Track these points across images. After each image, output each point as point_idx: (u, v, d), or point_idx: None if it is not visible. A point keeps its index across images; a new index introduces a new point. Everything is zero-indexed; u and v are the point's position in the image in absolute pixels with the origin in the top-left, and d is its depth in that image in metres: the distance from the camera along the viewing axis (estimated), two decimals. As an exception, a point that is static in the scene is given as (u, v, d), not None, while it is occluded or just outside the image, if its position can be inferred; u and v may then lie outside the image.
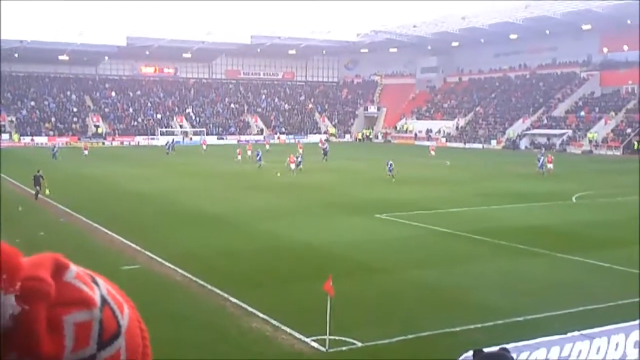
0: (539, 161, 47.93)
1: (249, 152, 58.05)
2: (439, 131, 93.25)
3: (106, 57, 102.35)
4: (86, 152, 61.15)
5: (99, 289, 1.00)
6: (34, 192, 32.00)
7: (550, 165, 46.34)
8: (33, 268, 0.93)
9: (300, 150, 56.04)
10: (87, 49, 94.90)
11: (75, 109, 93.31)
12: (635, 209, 30.26)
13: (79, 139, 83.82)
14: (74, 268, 0.98)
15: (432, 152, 64.43)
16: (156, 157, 61.72)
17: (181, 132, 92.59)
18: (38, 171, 32.50)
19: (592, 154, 73.35)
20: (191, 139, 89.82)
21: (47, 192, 31.82)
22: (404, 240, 22.96)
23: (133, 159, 60.01)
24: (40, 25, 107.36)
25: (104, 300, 0.99)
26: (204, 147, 70.76)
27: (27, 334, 0.89)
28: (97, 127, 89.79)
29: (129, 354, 1.01)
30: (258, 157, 50.67)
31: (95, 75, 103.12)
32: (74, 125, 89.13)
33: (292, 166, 44.61)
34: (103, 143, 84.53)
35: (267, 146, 70.50)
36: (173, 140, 76.04)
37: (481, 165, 54.44)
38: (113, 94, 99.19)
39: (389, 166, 41.94)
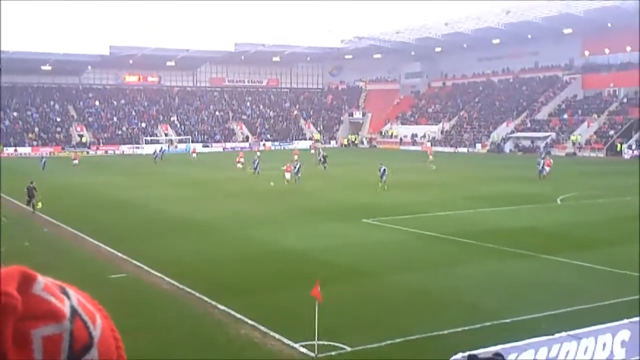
0: (538, 165, 46.41)
1: (242, 160, 57.81)
2: (424, 136, 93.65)
3: (89, 67, 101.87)
4: (76, 161, 59.96)
5: (70, 300, 0.97)
6: (25, 205, 30.70)
7: (547, 169, 45.63)
8: None
9: (296, 157, 55.43)
10: (70, 58, 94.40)
11: (58, 119, 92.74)
12: (618, 210, 30.57)
13: (63, 149, 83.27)
14: (41, 280, 0.95)
15: (431, 157, 63.17)
16: (146, 166, 61.39)
17: (166, 140, 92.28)
18: (31, 182, 31.20)
19: (576, 156, 73.98)
20: (176, 147, 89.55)
21: (40, 205, 30.33)
22: (391, 244, 23.00)
23: (122, 168, 59.67)
24: (23, 35, 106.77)
25: (74, 311, 0.96)
26: (194, 155, 70.11)
27: None
28: (81, 136, 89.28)
29: None
30: (255, 165, 48.98)
31: (79, 84, 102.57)
32: (57, 135, 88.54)
33: (288, 175, 42.20)
34: (87, 152, 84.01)
35: (258, 153, 69.06)
36: (162, 149, 75.42)
37: (467, 169, 54.69)
38: (97, 103, 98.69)
39: (381, 172, 39.11)
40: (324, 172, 51.03)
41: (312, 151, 71.38)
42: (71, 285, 1.00)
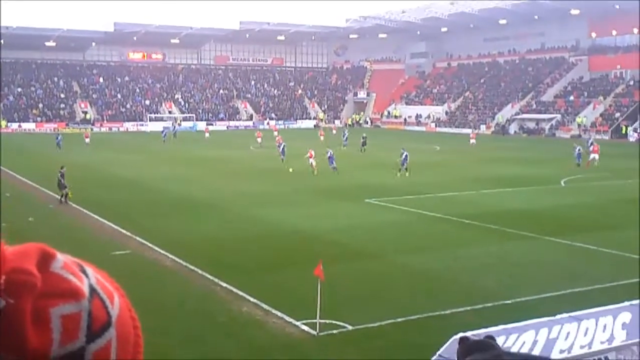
0: (575, 150, 41.62)
1: (259, 140, 57.08)
2: (429, 116, 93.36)
3: (93, 43, 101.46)
4: (87, 140, 58.13)
5: (88, 278, 0.96)
6: (58, 195, 27.23)
7: (595, 155, 41.30)
8: (18, 259, 0.89)
9: (322, 138, 53.70)
10: (74, 34, 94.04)
11: (62, 95, 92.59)
12: (622, 192, 30.53)
13: (67, 125, 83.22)
14: (60, 258, 0.95)
15: (473, 141, 58.85)
16: (154, 144, 61.25)
17: (170, 118, 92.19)
18: (61, 168, 27.29)
19: (581, 138, 73.64)
20: (180, 124, 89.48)
21: (71, 194, 26.77)
22: (394, 225, 23.04)
23: (128, 145, 59.59)
24: (27, 11, 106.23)
25: (92, 290, 0.95)
26: (207, 135, 67.54)
27: (12, 329, 0.86)
28: (84, 113, 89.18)
29: (120, 344, 0.98)
30: (282, 149, 43.09)
31: (83, 61, 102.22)
32: (61, 112, 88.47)
33: (313, 162, 36.94)
34: (91, 129, 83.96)
35: (275, 133, 64.01)
36: (174, 127, 73.09)
37: (471, 150, 54.54)
38: (101, 79, 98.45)
39: (403, 157, 36.53)
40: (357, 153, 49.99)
41: (334, 132, 69.41)
42: (90, 263, 1.00)
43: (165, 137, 62.57)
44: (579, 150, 41.42)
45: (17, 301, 0.86)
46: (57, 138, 54.21)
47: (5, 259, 0.88)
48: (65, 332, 0.90)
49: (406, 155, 36.68)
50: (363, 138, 53.00)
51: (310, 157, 37.02)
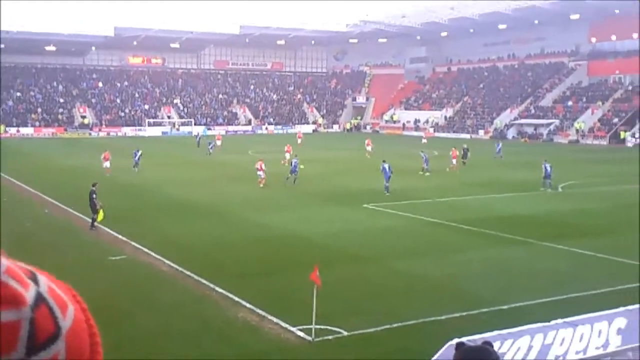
0: None
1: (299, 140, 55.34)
2: (427, 121, 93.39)
3: (93, 48, 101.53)
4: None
5: (38, 286, 0.89)
6: (90, 219, 23.04)
7: None
8: None
9: (300, 141, 52.97)
10: (75, 39, 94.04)
11: (61, 100, 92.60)
12: (619, 198, 30.52)
13: (65, 130, 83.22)
14: (4, 262, 0.88)
15: (424, 141, 61.12)
16: (151, 146, 61.01)
17: (169, 122, 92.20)
18: (93, 185, 23.44)
19: (579, 144, 73.71)
20: (178, 129, 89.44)
21: (102, 216, 22.43)
22: (391, 230, 23.02)
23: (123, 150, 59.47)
24: (27, 15, 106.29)
25: (40, 299, 0.88)
26: (219, 142, 58.04)
27: None
28: (83, 117, 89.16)
29: (72, 358, 0.89)
30: (294, 167, 35.42)
31: (83, 65, 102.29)
32: (60, 116, 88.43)
33: (262, 174, 33.66)
34: (90, 134, 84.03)
35: (299, 140, 61.27)
36: (198, 134, 66.21)
37: (469, 156, 54.41)
38: (100, 84, 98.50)
39: (424, 160, 39.62)
40: (325, 156, 50.53)
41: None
42: (44, 271, 0.92)
43: (199, 142, 59.43)
44: None
45: None
46: (135, 156, 41.34)
47: None
48: (2, 341, 0.83)
49: (426, 158, 39.85)
50: (464, 150, 45.46)
51: (260, 170, 33.73)
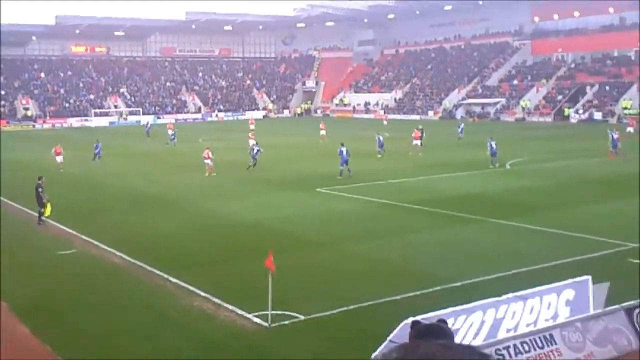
0: (610, 136, 37.06)
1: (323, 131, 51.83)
2: (377, 104, 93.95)
3: (34, 37, 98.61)
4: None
5: None
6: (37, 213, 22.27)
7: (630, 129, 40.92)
8: None
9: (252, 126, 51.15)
10: (14, 29, 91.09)
11: (3, 92, 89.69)
12: (565, 173, 31.34)
13: (7, 123, 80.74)
14: None
15: (385, 122, 60.65)
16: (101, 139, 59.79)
17: (116, 112, 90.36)
18: (39, 178, 22.61)
19: (525, 122, 75.29)
20: (126, 119, 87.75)
21: (49, 210, 21.73)
22: (344, 213, 23.12)
23: (77, 141, 58.06)
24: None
25: None
26: (170, 132, 52.86)
27: None
28: (26, 109, 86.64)
29: None
30: (254, 153, 35.18)
31: (24, 56, 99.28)
32: (2, 109, 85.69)
33: (209, 162, 33.21)
34: (33, 126, 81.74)
35: (252, 126, 59.19)
36: (148, 123, 65.20)
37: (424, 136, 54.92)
38: (42, 75, 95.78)
39: (379, 142, 39.14)
40: (276, 141, 50.22)
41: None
42: None
43: (148, 131, 59.37)
44: (613, 136, 36.97)
45: None
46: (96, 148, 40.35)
47: None
48: None
49: (381, 139, 39.49)
50: (421, 131, 43.45)
51: (207, 158, 33.27)
